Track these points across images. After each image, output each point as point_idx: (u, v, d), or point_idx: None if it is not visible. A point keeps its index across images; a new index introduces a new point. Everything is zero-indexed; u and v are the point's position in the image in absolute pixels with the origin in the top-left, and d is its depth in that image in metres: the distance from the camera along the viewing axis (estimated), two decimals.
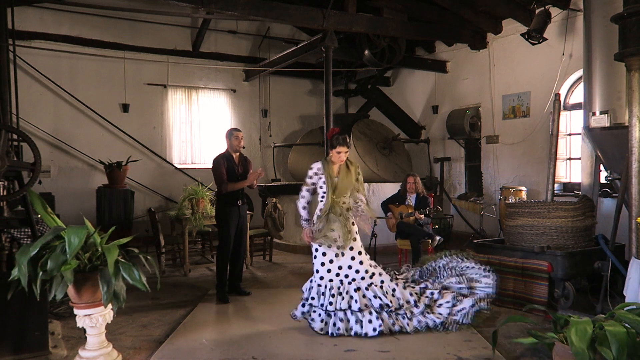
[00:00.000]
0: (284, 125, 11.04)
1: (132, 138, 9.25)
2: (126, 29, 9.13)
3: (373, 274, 4.27)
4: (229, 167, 5.29)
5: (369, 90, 10.33)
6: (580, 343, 2.55)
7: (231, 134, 5.38)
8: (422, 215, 6.34)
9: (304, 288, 4.39)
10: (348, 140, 4.32)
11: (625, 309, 2.91)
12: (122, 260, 3.20)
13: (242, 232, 5.47)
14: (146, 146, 9.42)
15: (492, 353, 3.56)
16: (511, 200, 7.14)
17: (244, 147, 5.46)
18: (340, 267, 4.22)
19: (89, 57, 8.72)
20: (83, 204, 8.25)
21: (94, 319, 3.22)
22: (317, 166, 4.33)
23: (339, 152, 4.28)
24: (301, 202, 4.36)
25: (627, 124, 4.40)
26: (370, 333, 4.04)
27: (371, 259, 4.48)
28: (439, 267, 4.74)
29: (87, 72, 8.92)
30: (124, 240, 3.36)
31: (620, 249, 5.08)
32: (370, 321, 4.09)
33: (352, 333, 4.08)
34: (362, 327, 4.08)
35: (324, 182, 4.27)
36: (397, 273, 4.73)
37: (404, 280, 4.54)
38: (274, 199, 7.67)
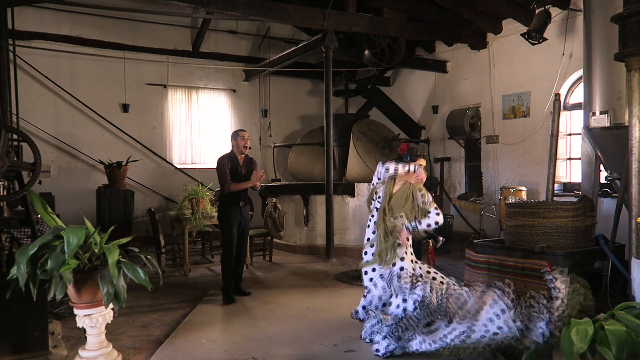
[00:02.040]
0: (284, 125, 11.04)
1: (132, 138, 9.24)
2: (126, 29, 9.13)
3: None
4: (232, 167, 5.28)
5: (369, 90, 10.33)
6: (581, 343, 2.54)
7: (237, 134, 5.36)
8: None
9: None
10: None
11: (624, 309, 2.90)
12: (124, 260, 3.20)
13: (244, 233, 5.47)
14: (146, 146, 9.42)
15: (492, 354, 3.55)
16: (511, 200, 7.14)
17: (250, 148, 5.42)
18: None
19: (89, 57, 8.72)
20: (83, 204, 8.24)
21: (94, 319, 3.22)
22: (391, 167, 3.97)
23: (420, 165, 3.98)
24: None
25: (627, 124, 4.41)
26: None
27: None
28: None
29: (87, 72, 8.92)
30: (124, 240, 3.36)
31: (620, 249, 5.08)
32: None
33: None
34: None
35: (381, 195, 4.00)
36: None
37: None
38: (274, 199, 7.67)
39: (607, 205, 6.34)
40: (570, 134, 7.71)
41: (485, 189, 8.68)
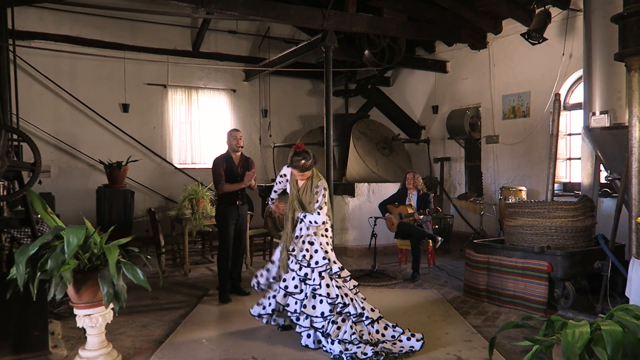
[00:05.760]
0: (284, 125, 11.04)
1: (132, 138, 9.25)
2: (126, 29, 9.13)
3: None
4: (227, 167, 5.32)
5: (369, 90, 10.33)
6: (577, 346, 2.53)
7: (230, 134, 5.46)
8: (421, 216, 6.34)
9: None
10: (308, 163, 4.07)
11: (622, 310, 2.90)
12: (124, 260, 3.21)
13: (241, 232, 5.49)
14: (146, 146, 9.42)
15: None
16: (511, 200, 7.14)
17: (242, 147, 5.49)
18: None
19: (89, 57, 8.72)
20: (83, 204, 8.24)
21: (94, 319, 3.23)
22: (284, 172, 4.34)
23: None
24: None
25: (627, 124, 4.40)
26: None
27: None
28: None
29: (87, 72, 8.92)
30: (124, 240, 3.36)
31: (620, 249, 5.08)
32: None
33: None
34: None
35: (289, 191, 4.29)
36: None
37: None
38: None
39: (607, 205, 6.35)
40: (570, 134, 7.71)
41: (485, 189, 8.68)
